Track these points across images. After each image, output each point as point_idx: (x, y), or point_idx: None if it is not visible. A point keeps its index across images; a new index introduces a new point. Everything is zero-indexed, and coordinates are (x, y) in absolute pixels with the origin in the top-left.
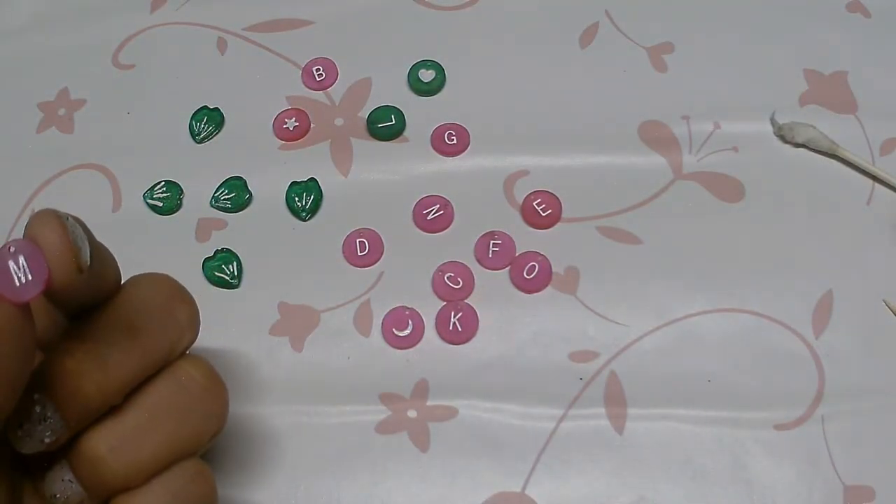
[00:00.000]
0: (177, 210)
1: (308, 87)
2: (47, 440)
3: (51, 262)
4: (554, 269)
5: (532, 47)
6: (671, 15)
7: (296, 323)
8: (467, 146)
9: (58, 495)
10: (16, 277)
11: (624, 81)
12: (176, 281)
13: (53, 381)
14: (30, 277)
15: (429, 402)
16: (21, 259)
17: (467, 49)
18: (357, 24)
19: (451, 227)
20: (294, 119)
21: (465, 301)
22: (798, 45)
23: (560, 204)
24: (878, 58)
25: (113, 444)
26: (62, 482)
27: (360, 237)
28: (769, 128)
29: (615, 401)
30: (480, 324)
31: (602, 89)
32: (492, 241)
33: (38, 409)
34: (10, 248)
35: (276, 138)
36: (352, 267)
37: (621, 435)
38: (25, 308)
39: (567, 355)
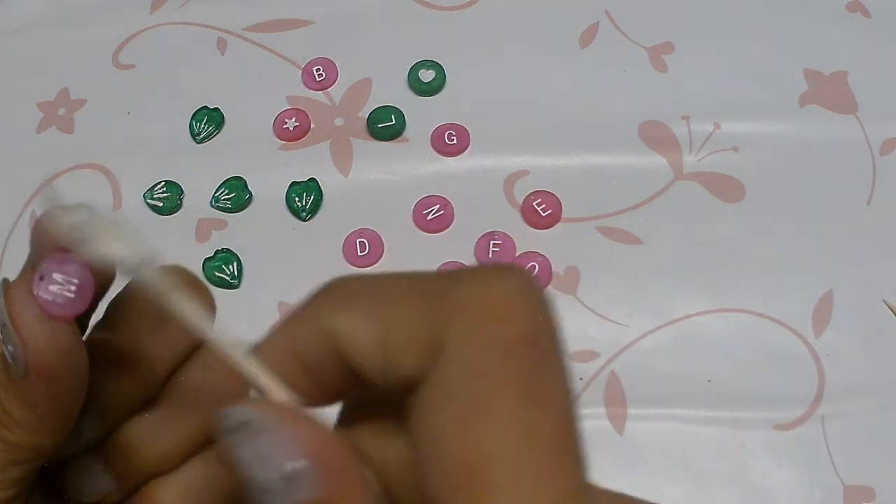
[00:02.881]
0: (177, 210)
1: (308, 87)
2: (84, 442)
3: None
4: (554, 269)
5: (532, 47)
6: (671, 15)
7: None
8: (467, 146)
9: (83, 489)
10: (64, 292)
11: (624, 81)
12: (187, 269)
13: (94, 385)
14: (74, 286)
15: None
16: (57, 275)
17: (467, 49)
18: (357, 24)
19: (451, 227)
20: (294, 119)
21: None
22: (798, 45)
23: (560, 204)
24: (878, 58)
25: (147, 431)
26: (90, 474)
27: (360, 237)
28: (769, 128)
29: (615, 401)
30: None
31: (602, 89)
32: (492, 241)
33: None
34: (44, 266)
35: (276, 138)
36: (352, 267)
37: (621, 435)
38: (75, 327)
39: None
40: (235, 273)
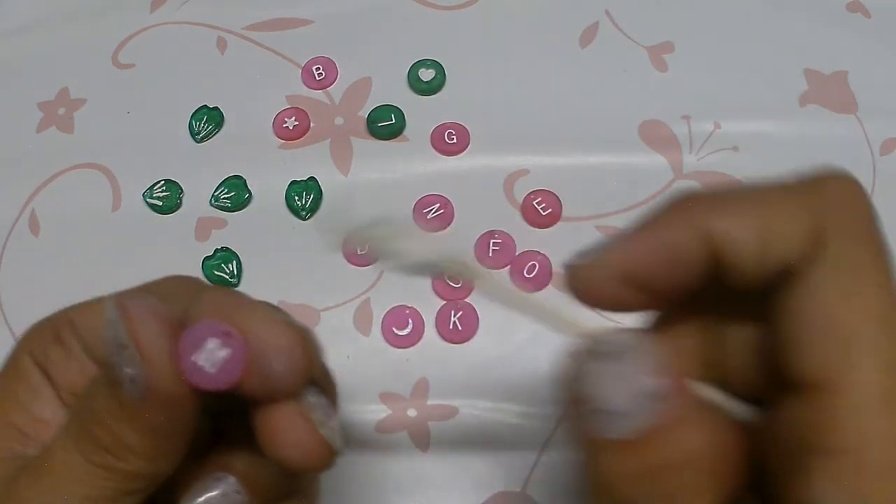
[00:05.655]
0: (176, 209)
1: (308, 87)
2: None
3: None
4: (554, 269)
5: (532, 47)
6: (671, 15)
7: None
8: (467, 146)
9: None
10: (217, 361)
11: (624, 81)
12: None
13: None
14: (213, 369)
15: (429, 402)
16: (222, 351)
17: (467, 49)
18: (357, 23)
19: (451, 226)
20: (294, 118)
21: (466, 300)
22: (798, 45)
23: (560, 203)
24: (878, 58)
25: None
26: (221, 497)
27: None
28: (769, 128)
29: None
30: (480, 323)
31: (602, 89)
32: (492, 241)
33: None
34: (198, 331)
35: (276, 137)
36: (352, 266)
37: None
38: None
39: (568, 355)
40: (235, 272)
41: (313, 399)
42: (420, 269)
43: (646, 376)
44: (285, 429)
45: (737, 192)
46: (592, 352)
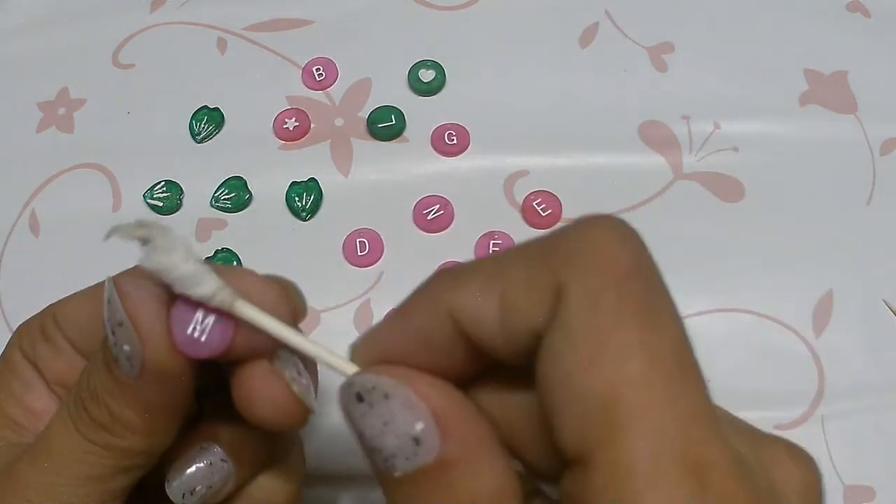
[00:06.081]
0: (177, 210)
1: (308, 87)
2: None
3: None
4: None
5: (532, 47)
6: (671, 15)
7: None
8: (467, 146)
9: (199, 487)
10: (206, 329)
11: (624, 81)
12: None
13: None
14: (205, 337)
15: None
16: (210, 318)
17: (467, 49)
18: (357, 24)
19: (451, 227)
20: (294, 119)
21: None
22: (798, 45)
23: (560, 204)
24: (878, 58)
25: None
26: (219, 465)
27: (360, 237)
28: (769, 128)
29: None
30: None
31: (602, 89)
32: (492, 241)
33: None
34: (201, 307)
35: (276, 138)
36: (352, 267)
37: None
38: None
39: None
40: None
41: (285, 357)
42: (181, 281)
43: (409, 417)
44: (259, 386)
45: (479, 263)
46: (357, 392)
